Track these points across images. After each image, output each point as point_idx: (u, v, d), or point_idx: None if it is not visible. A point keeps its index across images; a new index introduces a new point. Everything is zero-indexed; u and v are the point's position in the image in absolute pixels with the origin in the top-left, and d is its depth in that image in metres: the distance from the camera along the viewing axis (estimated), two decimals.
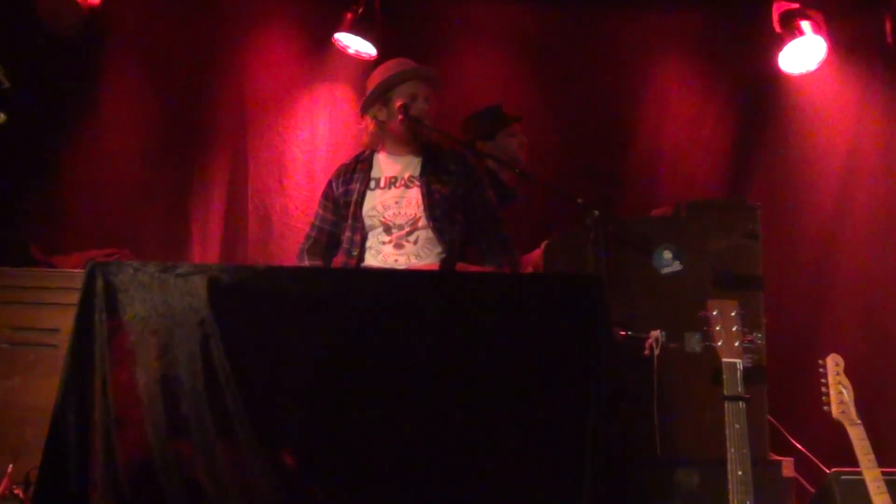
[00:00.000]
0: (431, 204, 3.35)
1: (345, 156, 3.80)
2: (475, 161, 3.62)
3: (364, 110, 3.49)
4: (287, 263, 3.62)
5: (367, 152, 3.55)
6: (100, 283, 2.48)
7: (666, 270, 3.11)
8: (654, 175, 4.81)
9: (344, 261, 3.40)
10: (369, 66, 4.57)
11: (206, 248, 4.55)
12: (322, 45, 4.77)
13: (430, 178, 3.40)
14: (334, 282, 2.63)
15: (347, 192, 3.47)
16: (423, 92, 3.41)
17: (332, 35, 4.70)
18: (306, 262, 3.50)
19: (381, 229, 3.37)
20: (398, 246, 3.35)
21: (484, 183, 3.54)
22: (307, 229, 3.59)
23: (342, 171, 3.54)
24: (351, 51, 4.75)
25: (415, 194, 3.38)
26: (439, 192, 3.38)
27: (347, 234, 3.42)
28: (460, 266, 3.29)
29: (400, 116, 3.34)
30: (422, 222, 3.35)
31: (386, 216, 3.37)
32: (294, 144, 4.75)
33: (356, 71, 4.70)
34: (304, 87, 4.79)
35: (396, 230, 3.35)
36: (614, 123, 4.86)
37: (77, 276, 3.05)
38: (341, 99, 4.80)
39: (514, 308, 2.54)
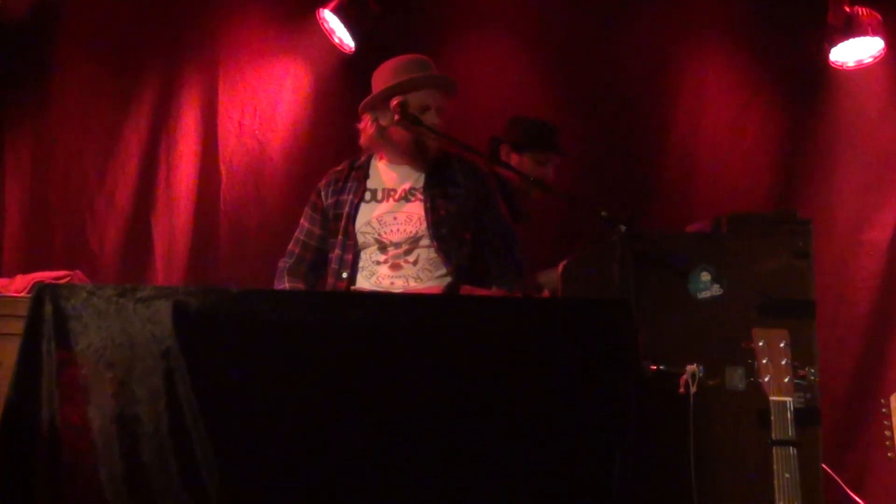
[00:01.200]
0: (436, 220, 3.36)
1: (330, 161, 3.81)
2: (487, 171, 3.63)
3: (364, 110, 3.49)
4: (265, 286, 3.61)
5: (362, 158, 3.56)
6: (48, 308, 2.48)
7: (704, 295, 3.10)
8: (690, 185, 4.82)
9: (332, 283, 3.40)
10: (353, 59, 4.62)
11: (171, 269, 4.54)
12: (307, 34, 4.80)
13: (435, 190, 3.41)
14: (320, 308, 2.61)
15: (338, 204, 3.47)
16: (437, 103, 3.40)
17: (317, 12, 4.75)
18: (287, 285, 3.49)
19: (375, 247, 3.37)
20: (395, 266, 3.34)
21: (496, 197, 3.56)
22: (289, 245, 3.59)
23: (333, 178, 3.54)
24: (335, 38, 4.77)
25: (416, 209, 3.39)
26: (445, 207, 3.39)
27: (337, 251, 3.42)
28: (466, 289, 3.29)
29: (396, 116, 3.34)
30: (424, 241, 3.35)
31: (382, 233, 3.37)
32: (274, 150, 4.75)
33: (341, 63, 4.72)
34: (287, 85, 4.81)
35: (393, 248, 3.36)
36: (643, 125, 4.88)
37: (22, 301, 3.06)
38: (326, 94, 4.81)
39: (528, 339, 2.53)
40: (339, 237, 3.42)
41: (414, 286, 3.30)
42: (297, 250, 3.55)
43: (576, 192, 4.19)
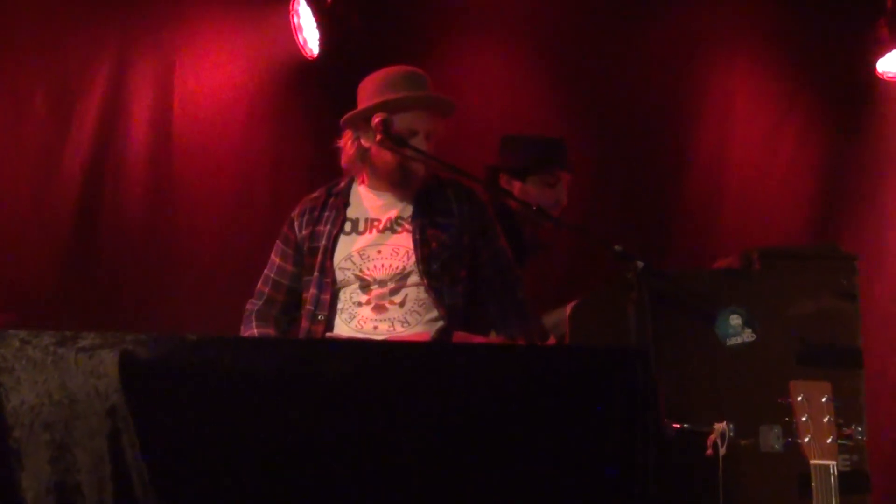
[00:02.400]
0: (426, 255, 3.36)
1: (301, 184, 3.82)
2: (486, 199, 3.64)
3: (346, 126, 3.50)
4: (230, 332, 3.61)
5: (342, 183, 3.57)
6: None
7: (733, 342, 3.11)
8: (716, 213, 4.84)
9: (307, 327, 3.40)
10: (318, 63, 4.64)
11: (118, 312, 4.54)
12: (270, 32, 4.84)
13: (426, 220, 3.42)
14: (290, 357, 2.60)
15: (314, 236, 3.47)
16: (427, 126, 3.41)
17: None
18: (255, 330, 3.49)
19: (356, 286, 3.37)
20: (379, 308, 3.34)
21: (496, 228, 3.56)
22: (258, 284, 3.59)
23: (308, 206, 3.55)
24: (300, 37, 4.80)
25: (404, 241, 3.39)
26: (437, 239, 3.40)
27: (312, 291, 3.42)
28: (459, 336, 3.28)
29: (378, 136, 3.36)
30: (412, 278, 3.35)
31: (365, 269, 3.37)
32: (235, 172, 4.77)
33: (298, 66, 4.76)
34: (248, 90, 4.84)
35: (377, 287, 3.35)
36: (662, 145, 4.90)
37: None
38: (295, 106, 4.84)
39: (530, 394, 2.52)
40: (315, 274, 3.42)
41: (400, 331, 3.30)
42: (267, 290, 3.55)
43: (585, 224, 4.21)
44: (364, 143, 3.45)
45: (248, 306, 3.57)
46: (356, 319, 3.34)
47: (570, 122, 4.86)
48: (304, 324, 3.42)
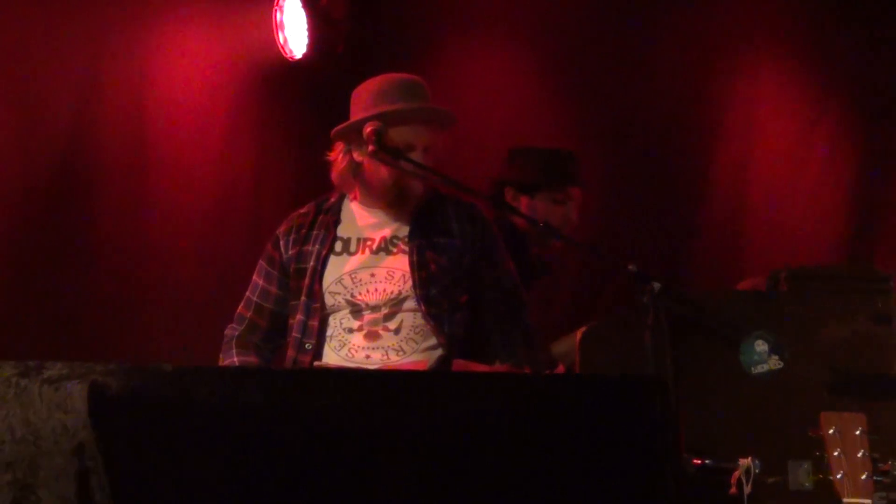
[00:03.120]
0: (424, 278, 3.36)
1: (287, 199, 3.82)
2: (489, 216, 3.65)
3: (337, 137, 3.50)
4: (210, 361, 3.61)
5: (332, 198, 3.57)
6: None
7: (759, 370, 3.12)
8: (740, 230, 4.85)
9: (294, 356, 3.40)
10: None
11: (87, 339, 4.53)
12: (253, 32, 4.85)
13: (423, 240, 3.42)
14: (275, 389, 2.59)
15: (301, 256, 3.47)
16: (425, 141, 3.41)
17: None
18: (236, 359, 3.48)
19: (347, 311, 3.37)
20: (371, 336, 3.34)
21: (500, 249, 3.56)
22: (239, 307, 3.58)
23: (295, 223, 3.55)
24: (280, 35, 4.81)
25: (399, 263, 3.40)
26: (436, 261, 3.40)
27: (299, 317, 3.42)
28: (459, 364, 3.28)
29: (370, 147, 3.37)
30: (409, 303, 3.36)
31: (357, 293, 3.38)
32: (214, 186, 4.78)
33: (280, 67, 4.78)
34: (229, 96, 4.85)
35: (370, 312, 3.36)
36: (681, 156, 4.91)
37: None
38: (281, 114, 4.85)
39: (540, 427, 2.51)
40: (303, 298, 3.42)
41: (395, 360, 3.30)
42: (248, 315, 3.54)
43: (596, 242, 4.21)
44: (356, 156, 3.45)
45: (228, 332, 3.56)
46: (347, 347, 3.34)
47: (579, 132, 4.87)
48: (291, 352, 3.41)
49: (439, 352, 3.34)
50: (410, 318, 3.35)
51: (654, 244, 4.66)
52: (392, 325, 3.35)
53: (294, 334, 3.41)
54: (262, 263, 3.57)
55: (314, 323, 3.38)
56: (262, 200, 4.78)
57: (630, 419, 2.53)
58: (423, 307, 3.34)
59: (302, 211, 3.59)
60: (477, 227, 3.51)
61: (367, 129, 3.35)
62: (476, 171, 4.23)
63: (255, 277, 3.57)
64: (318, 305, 3.39)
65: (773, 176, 4.92)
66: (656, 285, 2.93)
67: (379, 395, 2.56)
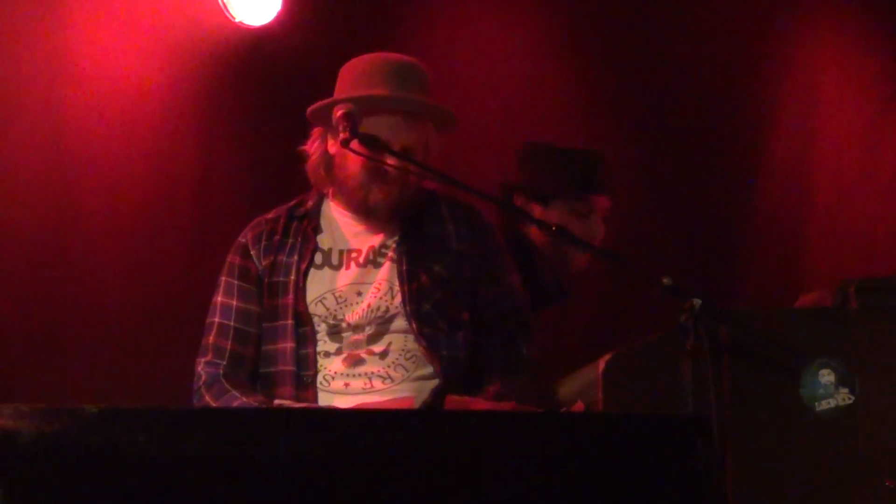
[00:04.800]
0: (415, 291, 3.39)
1: (237, 204, 3.81)
2: (490, 222, 3.68)
3: (314, 120, 3.54)
4: (144, 400, 3.60)
5: (309, 202, 3.60)
6: None
7: (825, 405, 3.11)
8: (800, 235, 4.84)
9: (293, 394, 3.37)
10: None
11: None
12: None
13: (414, 247, 3.45)
14: (222, 433, 2.59)
15: (276, 268, 3.49)
16: (403, 140, 3.43)
17: None
18: (238, 400, 3.40)
19: (324, 331, 3.39)
20: (352, 360, 3.36)
21: (504, 260, 3.59)
22: (206, 337, 3.53)
23: (265, 229, 3.57)
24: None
25: (386, 275, 3.42)
26: (429, 271, 3.43)
27: (287, 344, 3.41)
28: (453, 401, 3.27)
29: (342, 133, 3.36)
30: (398, 322, 3.38)
31: (340, 315, 3.39)
32: (149, 188, 4.78)
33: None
34: (167, 77, 4.86)
35: (351, 333, 3.38)
36: (728, 148, 4.91)
37: None
38: (232, 100, 4.86)
39: (556, 479, 2.52)
40: (288, 322, 3.42)
41: (379, 388, 3.33)
42: (228, 345, 3.51)
43: (624, 250, 4.21)
44: (330, 147, 3.48)
45: (207, 369, 3.50)
46: (322, 374, 3.36)
47: (603, 118, 4.88)
48: (287, 389, 3.39)
49: (434, 382, 3.36)
50: (401, 340, 3.38)
51: (693, 252, 4.66)
52: (378, 347, 3.38)
53: (282, 367, 3.41)
54: (228, 280, 3.56)
55: (309, 351, 3.38)
56: (207, 204, 4.76)
57: (666, 466, 2.55)
58: (413, 326, 3.35)
59: (269, 216, 3.62)
60: (477, 232, 3.54)
61: (338, 111, 3.36)
62: (474, 166, 4.22)
63: (221, 298, 3.55)
64: (309, 329, 3.40)
65: (839, 167, 4.93)
66: (696, 302, 2.92)
67: (349, 441, 2.56)
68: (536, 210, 4.25)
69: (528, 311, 3.63)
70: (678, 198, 4.82)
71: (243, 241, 3.57)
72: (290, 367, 3.40)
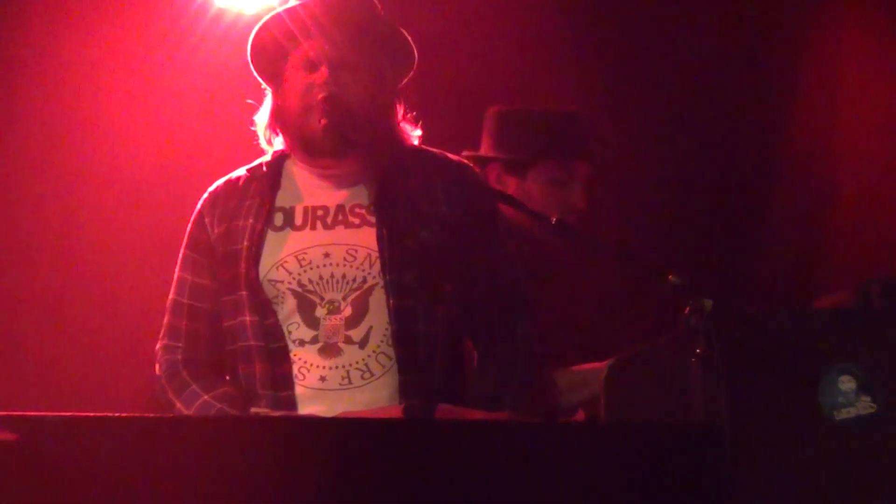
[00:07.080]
0: (398, 259, 3.33)
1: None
2: (487, 183, 3.70)
3: (258, 72, 3.54)
4: (116, 405, 3.59)
5: (269, 159, 3.54)
6: None
7: (845, 414, 3.11)
8: (820, 230, 4.85)
9: (263, 370, 3.34)
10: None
11: None
12: None
13: (396, 208, 3.39)
14: (195, 441, 2.57)
15: (231, 235, 3.44)
16: (335, 55, 3.39)
17: None
18: (205, 396, 3.38)
19: (294, 310, 3.33)
20: (329, 350, 3.30)
21: (498, 227, 3.53)
22: (166, 318, 3.53)
23: (222, 194, 3.53)
24: None
25: (363, 239, 3.36)
26: (414, 236, 3.37)
27: (249, 318, 3.36)
28: (445, 410, 3.23)
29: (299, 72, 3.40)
30: (377, 295, 3.32)
31: (306, 281, 3.34)
32: (112, 171, 4.78)
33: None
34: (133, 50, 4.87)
35: (327, 315, 3.32)
36: (742, 132, 4.92)
37: None
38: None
39: (558, 491, 2.52)
40: (243, 293, 3.38)
41: (358, 385, 3.28)
42: (183, 324, 3.49)
43: (628, 244, 4.20)
44: (275, 96, 3.50)
45: (165, 356, 3.49)
46: (297, 366, 3.30)
47: (599, 91, 4.87)
48: (248, 367, 3.37)
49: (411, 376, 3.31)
50: (382, 322, 3.31)
51: (703, 248, 4.66)
52: (356, 333, 3.30)
53: (244, 342, 3.37)
54: (185, 252, 3.53)
55: (271, 321, 3.33)
56: (181, 195, 4.76)
57: (674, 478, 2.55)
58: (391, 301, 3.29)
59: (230, 177, 3.57)
60: (467, 194, 3.47)
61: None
62: (447, 133, 4.17)
63: (178, 272, 3.53)
64: (265, 299, 3.34)
65: (862, 158, 4.93)
66: (707, 302, 2.93)
67: (329, 451, 2.55)
68: (512, 183, 4.23)
69: (526, 285, 3.56)
70: (688, 190, 4.83)
71: (199, 208, 3.52)
72: (253, 342, 3.35)
